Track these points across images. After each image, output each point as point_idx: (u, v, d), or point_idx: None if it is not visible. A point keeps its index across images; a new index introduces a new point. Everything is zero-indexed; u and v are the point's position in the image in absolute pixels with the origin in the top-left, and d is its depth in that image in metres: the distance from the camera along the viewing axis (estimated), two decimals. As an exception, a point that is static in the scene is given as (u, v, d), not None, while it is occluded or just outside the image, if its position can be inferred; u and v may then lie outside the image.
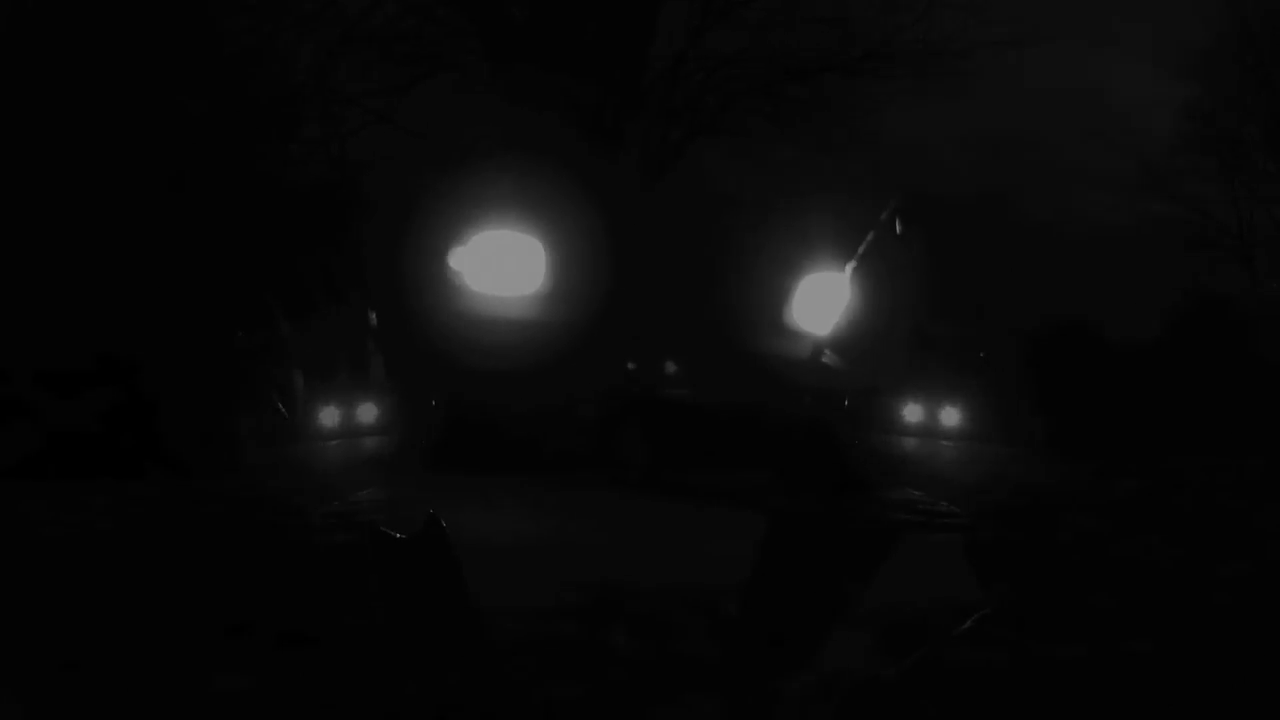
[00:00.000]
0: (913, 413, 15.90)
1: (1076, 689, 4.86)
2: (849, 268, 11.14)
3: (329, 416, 13.64)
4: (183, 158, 12.85)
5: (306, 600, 6.11)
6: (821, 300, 11.19)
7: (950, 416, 15.79)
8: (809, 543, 7.90)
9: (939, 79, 16.73)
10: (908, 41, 16.79)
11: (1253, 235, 24.03)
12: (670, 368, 19.88)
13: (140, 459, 10.66)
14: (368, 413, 13.89)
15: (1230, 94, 23.87)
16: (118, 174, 12.46)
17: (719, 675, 5.05)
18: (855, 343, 11.50)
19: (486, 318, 10.50)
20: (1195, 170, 23.97)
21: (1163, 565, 7.26)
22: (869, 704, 4.65)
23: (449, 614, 5.81)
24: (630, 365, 17.47)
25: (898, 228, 11.31)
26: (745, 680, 4.93)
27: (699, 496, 9.65)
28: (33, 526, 8.51)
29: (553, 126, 13.33)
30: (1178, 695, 4.82)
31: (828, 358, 11.36)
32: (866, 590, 6.32)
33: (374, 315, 11.21)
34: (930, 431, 15.79)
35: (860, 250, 11.14)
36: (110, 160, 12.43)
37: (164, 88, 12.86)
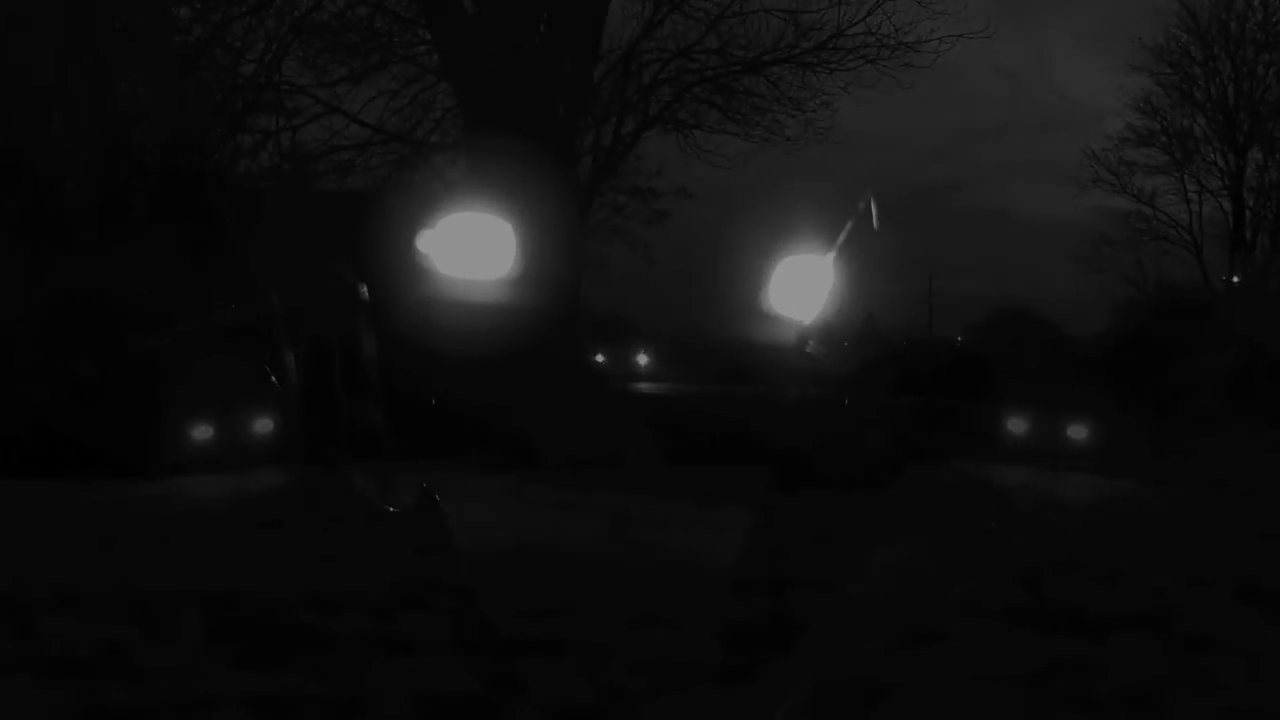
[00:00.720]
0: (1015, 425, 12.94)
1: (1074, 687, 4.84)
2: (830, 255, 10.88)
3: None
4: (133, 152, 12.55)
5: (306, 599, 5.97)
6: (801, 285, 10.92)
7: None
8: (810, 541, 7.81)
9: (890, 71, 16.90)
10: (859, 34, 16.86)
11: (1202, 227, 24.54)
12: (643, 360, 19.64)
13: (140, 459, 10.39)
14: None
15: (1180, 88, 24.34)
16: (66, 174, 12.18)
17: (719, 675, 4.96)
18: (842, 334, 11.33)
19: (456, 303, 10.23)
20: (1146, 163, 24.44)
21: (1161, 567, 7.20)
22: (868, 703, 4.58)
23: (450, 613, 5.78)
24: (600, 358, 17.27)
25: (874, 218, 11.07)
26: (745, 679, 4.87)
27: (701, 495, 9.45)
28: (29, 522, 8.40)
29: (519, 112, 13.17)
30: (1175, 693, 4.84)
31: (812, 348, 11.17)
32: (868, 589, 6.34)
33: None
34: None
35: (840, 239, 10.89)
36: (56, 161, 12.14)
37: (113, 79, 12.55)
